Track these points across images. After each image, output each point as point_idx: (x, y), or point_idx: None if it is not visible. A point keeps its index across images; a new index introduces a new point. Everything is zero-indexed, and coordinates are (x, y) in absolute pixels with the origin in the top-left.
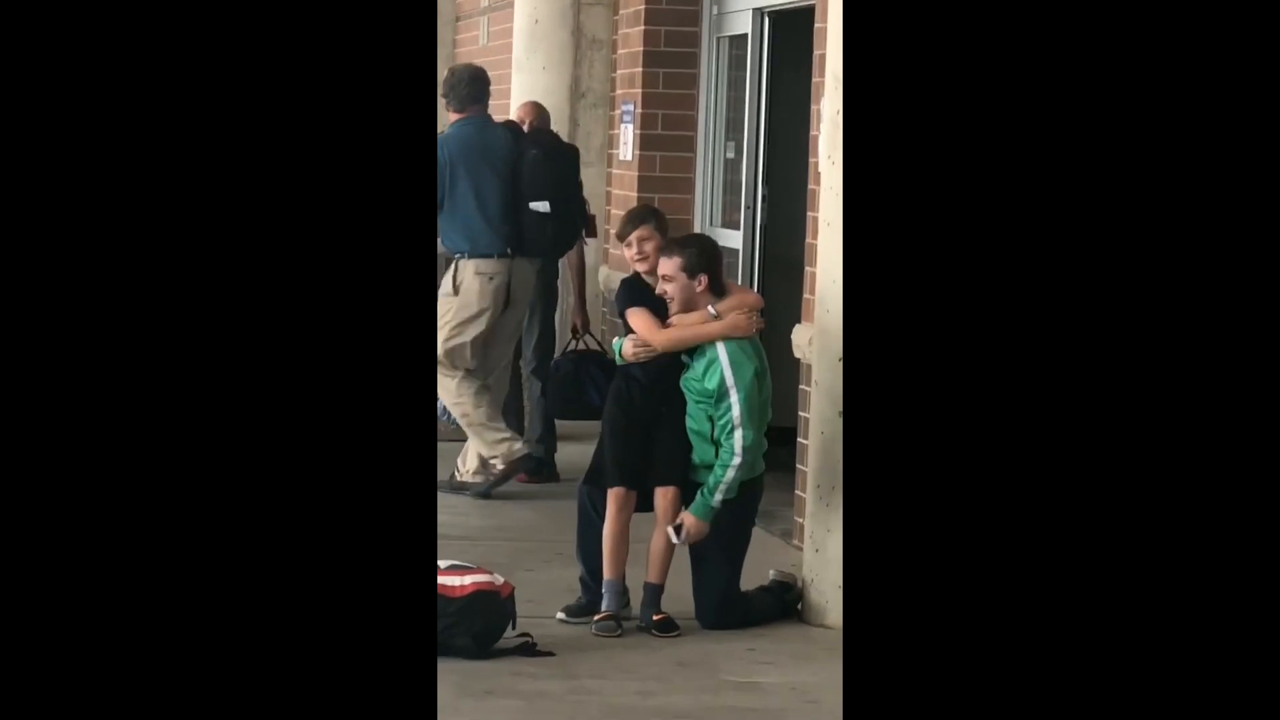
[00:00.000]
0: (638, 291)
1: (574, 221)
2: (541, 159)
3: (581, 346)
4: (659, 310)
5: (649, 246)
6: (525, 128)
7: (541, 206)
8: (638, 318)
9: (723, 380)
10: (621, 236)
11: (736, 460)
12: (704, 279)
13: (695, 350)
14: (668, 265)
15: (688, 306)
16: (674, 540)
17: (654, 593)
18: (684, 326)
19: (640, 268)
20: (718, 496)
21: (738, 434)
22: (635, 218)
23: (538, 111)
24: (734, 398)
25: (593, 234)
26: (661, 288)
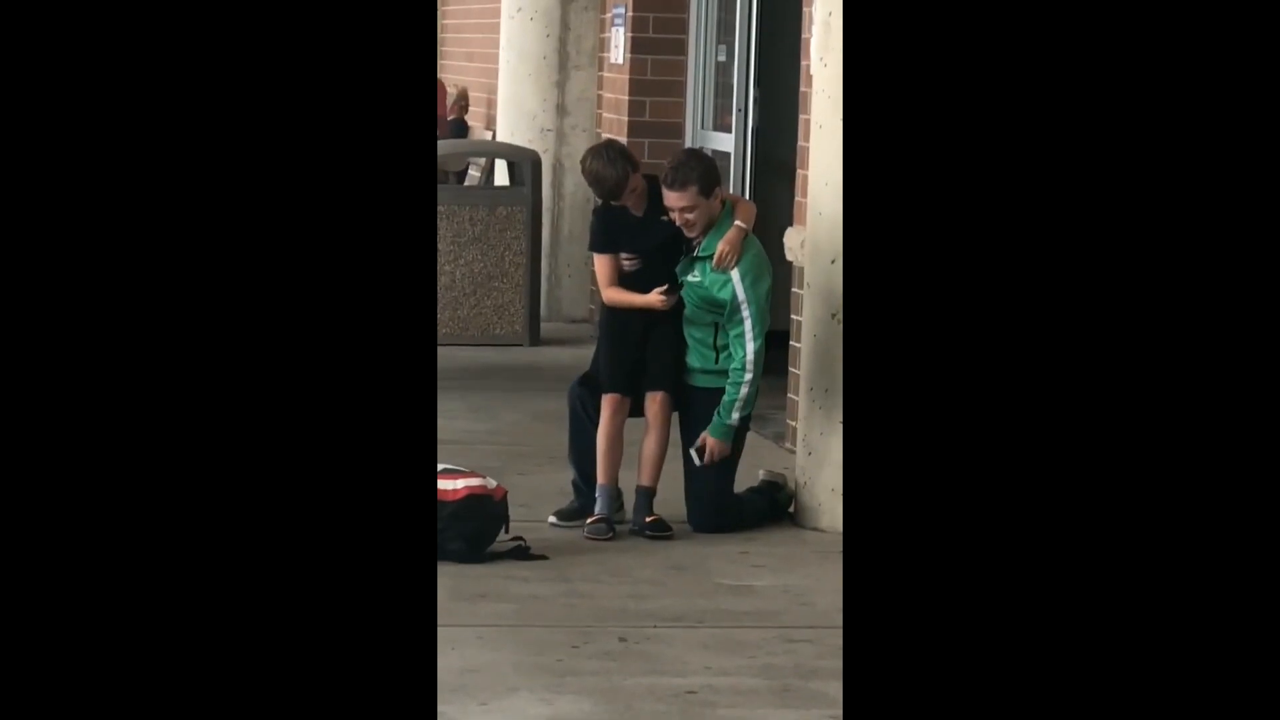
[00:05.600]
0: (606, 231)
1: None
2: None
3: None
4: (629, 247)
5: (691, 215)
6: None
7: None
8: (600, 266)
9: (735, 295)
10: (669, 186)
11: (748, 376)
12: (718, 191)
13: (704, 260)
14: (685, 197)
15: (709, 226)
16: (695, 462)
17: (646, 496)
18: (629, 294)
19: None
20: (735, 415)
21: (749, 347)
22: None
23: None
24: (745, 312)
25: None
26: (682, 218)
